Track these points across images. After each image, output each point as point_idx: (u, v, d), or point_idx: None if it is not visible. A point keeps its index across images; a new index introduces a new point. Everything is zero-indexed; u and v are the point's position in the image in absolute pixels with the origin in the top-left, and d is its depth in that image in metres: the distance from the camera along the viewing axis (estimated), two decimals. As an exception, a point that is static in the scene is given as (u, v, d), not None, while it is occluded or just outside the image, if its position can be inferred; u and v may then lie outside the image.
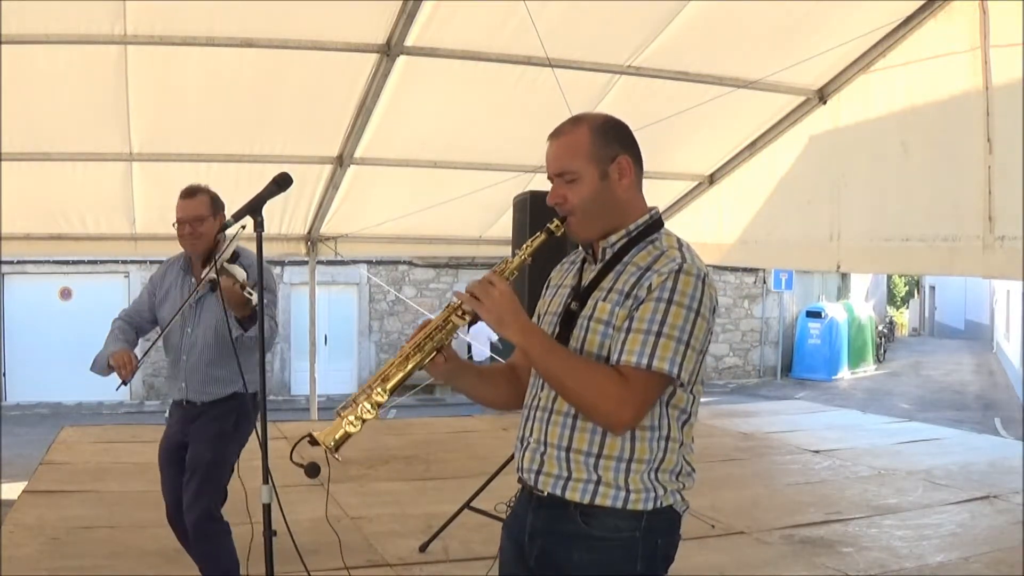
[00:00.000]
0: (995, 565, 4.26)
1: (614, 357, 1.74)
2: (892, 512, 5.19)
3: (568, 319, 1.86)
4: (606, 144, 1.84)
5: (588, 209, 1.83)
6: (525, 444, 1.89)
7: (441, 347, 1.84)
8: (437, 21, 5.14)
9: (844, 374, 21.01)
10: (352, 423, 1.78)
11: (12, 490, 5.63)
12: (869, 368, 23.08)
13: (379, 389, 1.80)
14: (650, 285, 1.74)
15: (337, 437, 1.78)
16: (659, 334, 1.71)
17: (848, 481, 5.99)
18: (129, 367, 3.25)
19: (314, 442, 1.80)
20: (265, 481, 2.56)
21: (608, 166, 1.83)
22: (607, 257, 1.86)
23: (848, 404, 14.46)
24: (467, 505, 4.35)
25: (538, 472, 1.84)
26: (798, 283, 20.71)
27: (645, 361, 1.70)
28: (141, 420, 12.78)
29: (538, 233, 1.86)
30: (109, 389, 3.60)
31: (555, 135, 1.88)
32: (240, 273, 3.23)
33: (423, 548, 4.32)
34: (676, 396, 1.79)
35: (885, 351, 26.53)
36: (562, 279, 1.98)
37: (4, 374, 16.27)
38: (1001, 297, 24.93)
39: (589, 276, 1.88)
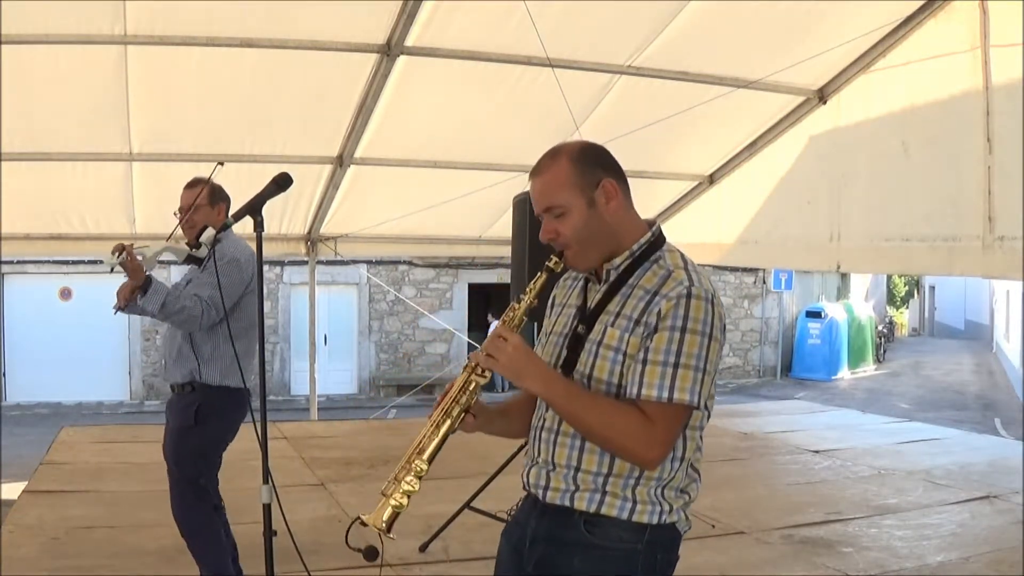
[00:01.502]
0: (995, 565, 4.26)
1: (632, 390, 1.74)
2: (892, 512, 5.19)
3: (575, 343, 1.86)
4: (588, 171, 1.82)
5: (582, 239, 1.82)
6: (533, 463, 1.90)
7: (468, 408, 1.85)
8: (437, 21, 5.13)
9: (844, 374, 21.02)
10: (398, 499, 1.78)
11: (12, 490, 5.63)
12: (869, 368, 23.10)
13: (417, 460, 1.81)
14: (659, 311, 1.73)
15: (386, 517, 1.78)
16: (676, 364, 1.71)
17: (848, 481, 5.99)
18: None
19: (364, 524, 1.80)
20: (265, 481, 2.56)
21: (593, 192, 1.82)
22: (611, 279, 1.85)
23: (848, 404, 14.46)
24: (467, 505, 4.36)
25: (545, 488, 1.85)
26: (798, 283, 20.72)
27: (666, 395, 1.70)
28: (141, 420, 12.74)
29: (539, 274, 1.87)
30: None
31: (536, 172, 1.86)
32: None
33: (423, 548, 4.32)
34: (692, 416, 1.80)
35: (885, 351, 26.54)
36: (566, 298, 1.98)
37: (4, 374, 16.27)
38: (1001, 297, 24.92)
39: (594, 297, 1.87)
